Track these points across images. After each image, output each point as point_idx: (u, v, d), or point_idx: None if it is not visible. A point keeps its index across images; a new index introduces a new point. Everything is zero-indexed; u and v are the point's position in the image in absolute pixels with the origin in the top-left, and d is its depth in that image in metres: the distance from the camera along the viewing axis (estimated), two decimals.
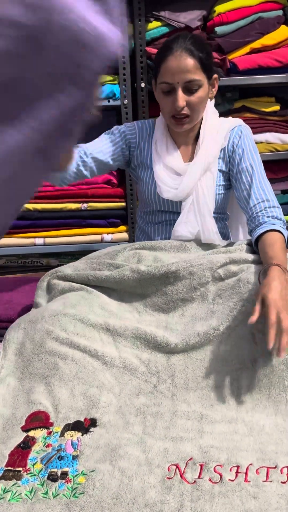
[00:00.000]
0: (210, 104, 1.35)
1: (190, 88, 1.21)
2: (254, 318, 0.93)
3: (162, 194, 1.29)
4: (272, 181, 2.03)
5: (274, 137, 2.07)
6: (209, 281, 1.15)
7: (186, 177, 1.27)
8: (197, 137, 1.33)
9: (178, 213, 1.31)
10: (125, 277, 1.18)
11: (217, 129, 1.31)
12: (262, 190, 1.25)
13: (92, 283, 1.22)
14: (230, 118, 1.36)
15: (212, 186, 1.29)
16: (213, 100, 1.38)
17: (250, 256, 1.17)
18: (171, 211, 1.34)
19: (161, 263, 1.22)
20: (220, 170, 1.32)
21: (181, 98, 1.20)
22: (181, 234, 1.28)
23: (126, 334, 1.09)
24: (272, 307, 0.92)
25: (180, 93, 1.20)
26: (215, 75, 1.28)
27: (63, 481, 0.80)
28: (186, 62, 1.19)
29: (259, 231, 1.17)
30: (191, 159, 1.33)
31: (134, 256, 1.28)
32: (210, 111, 1.33)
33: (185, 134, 1.32)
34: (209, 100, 1.31)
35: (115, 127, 1.40)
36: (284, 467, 0.81)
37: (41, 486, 0.80)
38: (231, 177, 1.32)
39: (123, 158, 1.38)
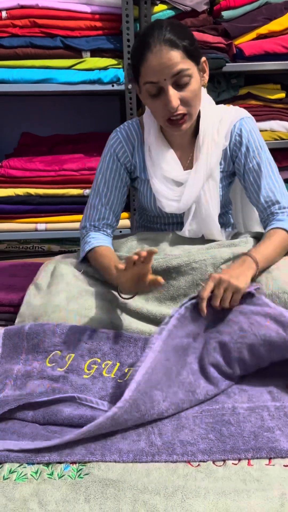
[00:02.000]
0: (203, 92, 1.19)
1: (180, 81, 1.06)
2: (202, 297, 0.98)
3: (164, 208, 1.22)
4: None
5: (278, 125, 2.06)
6: None
7: (187, 188, 1.18)
8: (194, 133, 1.21)
9: (181, 217, 1.27)
10: None
11: (217, 128, 1.18)
12: (271, 192, 1.18)
13: (96, 275, 1.22)
14: (231, 108, 1.23)
15: (215, 194, 1.20)
16: (205, 89, 1.22)
17: None
18: (173, 217, 1.30)
19: (163, 254, 1.21)
20: (221, 171, 1.23)
21: (174, 96, 1.06)
22: (184, 235, 1.27)
23: (130, 330, 1.10)
24: (209, 281, 1.00)
25: (171, 90, 1.05)
26: (203, 58, 1.13)
27: (69, 463, 0.81)
28: (168, 56, 1.03)
29: (267, 229, 1.17)
30: (190, 163, 1.22)
31: (138, 246, 1.27)
32: (205, 101, 1.19)
33: (181, 133, 1.18)
34: (203, 90, 1.18)
35: (107, 151, 1.25)
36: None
37: (47, 467, 0.81)
38: (238, 177, 1.24)
39: (128, 181, 1.28)
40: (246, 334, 0.96)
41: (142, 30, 1.11)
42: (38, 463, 0.81)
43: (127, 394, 0.84)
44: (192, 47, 1.08)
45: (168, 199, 1.21)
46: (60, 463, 0.81)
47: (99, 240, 1.23)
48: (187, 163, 1.23)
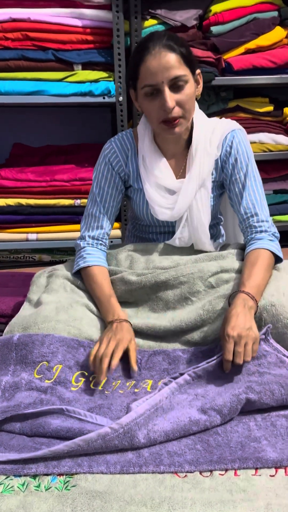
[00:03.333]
0: (202, 114, 1.25)
1: (176, 85, 1.10)
2: (228, 360, 0.97)
3: (157, 216, 1.24)
4: (264, 181, 2.05)
5: (267, 137, 2.09)
6: (200, 291, 1.16)
7: (181, 196, 1.21)
8: (187, 143, 1.24)
9: (173, 226, 1.30)
10: (116, 289, 1.20)
11: (210, 138, 1.21)
12: (252, 204, 1.20)
13: (86, 289, 1.23)
14: (223, 120, 1.26)
15: (207, 203, 1.23)
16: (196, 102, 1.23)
17: (241, 264, 1.18)
18: (166, 225, 1.32)
19: (153, 265, 1.23)
20: (213, 181, 1.25)
21: (170, 98, 1.09)
22: (174, 244, 1.29)
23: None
24: (230, 343, 0.98)
25: (167, 92, 1.09)
26: (198, 70, 1.17)
27: (56, 475, 0.81)
28: (167, 59, 1.08)
29: (247, 249, 1.18)
30: (183, 172, 1.25)
31: (127, 258, 1.29)
32: (198, 113, 1.23)
33: (175, 141, 1.22)
34: (196, 103, 1.20)
35: (101, 160, 1.26)
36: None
37: (33, 479, 0.80)
38: (224, 186, 1.27)
39: (123, 189, 1.30)
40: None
41: (143, 38, 1.16)
42: (24, 475, 0.81)
43: (124, 420, 0.85)
44: (189, 55, 1.13)
45: (161, 206, 1.23)
46: (47, 475, 0.81)
47: (94, 258, 1.24)
48: (180, 172, 1.26)
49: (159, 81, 1.09)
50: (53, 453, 0.82)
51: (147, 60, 1.09)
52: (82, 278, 1.24)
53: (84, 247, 1.26)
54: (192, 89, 1.14)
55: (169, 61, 1.09)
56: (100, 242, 1.28)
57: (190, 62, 1.13)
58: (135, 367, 1.05)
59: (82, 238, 1.28)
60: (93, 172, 1.29)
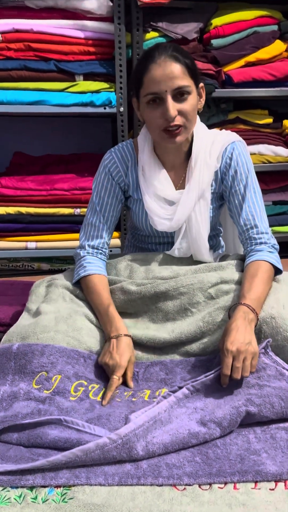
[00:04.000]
0: (203, 126, 1.26)
1: (179, 96, 1.11)
2: (226, 375, 0.96)
3: (156, 226, 1.24)
4: (264, 192, 2.07)
5: (266, 149, 2.11)
6: (200, 302, 1.15)
7: (180, 207, 1.21)
8: (187, 154, 1.24)
9: (172, 236, 1.30)
10: (116, 299, 1.19)
11: (209, 150, 1.22)
12: (251, 216, 1.20)
13: (85, 299, 1.22)
14: (223, 132, 1.27)
15: (206, 214, 1.23)
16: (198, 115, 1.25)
17: (241, 275, 1.18)
18: (165, 236, 1.32)
19: (152, 275, 1.23)
20: (213, 193, 1.25)
21: (172, 106, 1.10)
22: (173, 255, 1.29)
23: None
24: (228, 357, 0.96)
25: (170, 101, 1.10)
26: (202, 84, 1.19)
27: (53, 486, 0.80)
28: (172, 68, 1.09)
29: (247, 261, 1.18)
30: (182, 183, 1.25)
31: (126, 268, 1.29)
32: (198, 125, 1.24)
33: (174, 152, 1.23)
34: (197, 117, 1.22)
35: (101, 170, 1.27)
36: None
37: (30, 491, 0.79)
38: (224, 197, 1.27)
39: (123, 199, 1.31)
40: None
41: (148, 48, 1.17)
42: (22, 487, 0.80)
43: (123, 431, 0.84)
44: (193, 67, 1.14)
45: (160, 217, 1.23)
46: (44, 486, 0.80)
47: (94, 267, 1.24)
48: (179, 183, 1.26)
49: (162, 90, 1.10)
50: (51, 463, 0.81)
51: (152, 69, 1.10)
52: (81, 288, 1.24)
53: (84, 256, 1.26)
54: (194, 100, 1.15)
55: (174, 71, 1.10)
56: (100, 251, 1.28)
57: (194, 74, 1.14)
58: (130, 384, 1.05)
59: (81, 247, 1.29)
60: (93, 182, 1.30)
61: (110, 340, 1.09)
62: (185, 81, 1.11)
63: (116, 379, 1.03)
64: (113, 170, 1.26)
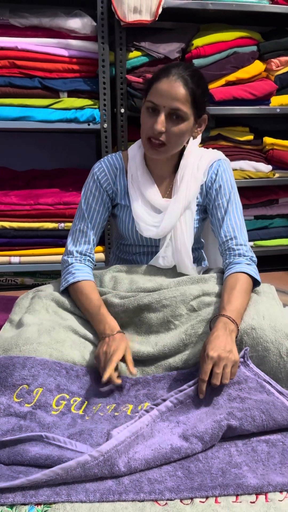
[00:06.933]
0: (195, 142, 1.30)
1: (173, 117, 1.16)
2: (203, 380, 0.98)
3: (143, 233, 1.28)
4: (245, 207, 2.10)
5: (248, 165, 2.16)
6: (183, 314, 1.17)
7: (167, 215, 1.25)
8: (175, 167, 1.30)
9: (156, 246, 1.33)
10: None
11: (197, 164, 1.27)
12: (232, 228, 1.24)
13: (71, 309, 1.23)
14: (210, 150, 1.33)
15: (190, 225, 1.27)
16: (198, 139, 1.32)
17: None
18: (150, 245, 1.35)
19: (136, 286, 1.24)
20: (197, 205, 1.30)
21: (161, 122, 1.16)
22: (157, 265, 1.31)
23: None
24: (208, 364, 0.98)
25: (162, 117, 1.16)
26: (205, 116, 1.23)
27: (33, 504, 0.79)
28: (177, 90, 1.14)
29: (226, 273, 1.21)
30: (169, 193, 1.30)
31: (111, 280, 1.31)
32: (192, 149, 1.29)
33: (163, 164, 1.28)
34: (191, 139, 1.27)
35: (90, 178, 1.31)
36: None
37: (11, 509, 0.78)
38: (207, 210, 1.31)
39: (110, 207, 1.34)
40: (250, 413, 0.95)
41: (173, 63, 1.23)
42: (1, 505, 0.79)
43: (105, 447, 0.84)
44: (200, 98, 1.19)
45: (147, 224, 1.27)
46: (24, 504, 0.79)
47: (83, 273, 1.25)
48: (167, 193, 1.31)
49: (160, 104, 1.16)
50: (31, 482, 0.80)
51: (162, 81, 1.16)
52: (69, 295, 1.24)
53: (72, 263, 1.28)
54: (186, 127, 1.19)
55: (177, 93, 1.14)
56: (88, 257, 1.30)
57: (198, 104, 1.19)
58: (132, 370, 1.05)
59: (69, 253, 1.30)
60: (82, 190, 1.34)
61: (104, 339, 1.11)
62: (184, 107, 1.16)
63: (115, 359, 1.04)
64: (102, 177, 1.30)
